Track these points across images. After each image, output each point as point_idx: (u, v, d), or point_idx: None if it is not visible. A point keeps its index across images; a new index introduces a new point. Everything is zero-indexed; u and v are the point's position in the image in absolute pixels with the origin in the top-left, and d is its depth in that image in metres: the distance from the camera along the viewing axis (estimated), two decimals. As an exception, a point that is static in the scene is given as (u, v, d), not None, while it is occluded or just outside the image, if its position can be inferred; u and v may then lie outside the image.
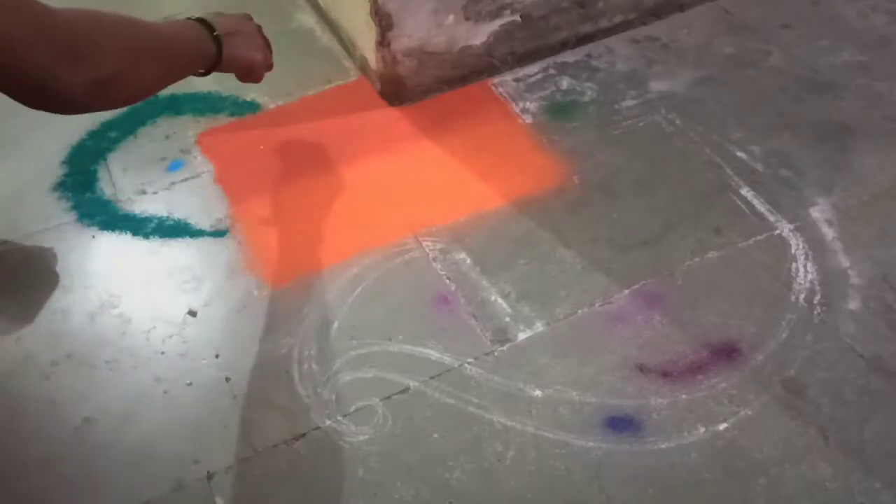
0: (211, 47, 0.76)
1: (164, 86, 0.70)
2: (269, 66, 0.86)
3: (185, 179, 1.05)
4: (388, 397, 0.82)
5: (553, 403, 0.81)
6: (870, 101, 1.11)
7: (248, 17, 0.86)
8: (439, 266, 0.94)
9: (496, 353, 0.85)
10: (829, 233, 0.95)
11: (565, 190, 1.02)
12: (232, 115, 1.15)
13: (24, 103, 0.60)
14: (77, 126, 1.13)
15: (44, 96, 0.60)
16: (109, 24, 0.63)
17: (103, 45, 0.61)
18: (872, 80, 1.14)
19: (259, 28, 0.85)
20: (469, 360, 0.85)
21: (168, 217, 1.00)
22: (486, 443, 0.78)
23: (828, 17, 1.26)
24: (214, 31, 0.76)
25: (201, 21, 0.76)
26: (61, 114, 0.62)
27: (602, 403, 0.81)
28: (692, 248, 0.94)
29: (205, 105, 1.16)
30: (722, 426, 0.79)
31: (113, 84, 0.62)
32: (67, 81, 0.59)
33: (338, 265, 0.94)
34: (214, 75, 1.21)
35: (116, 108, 0.69)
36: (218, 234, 0.98)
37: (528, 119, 1.11)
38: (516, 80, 1.18)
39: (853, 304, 0.88)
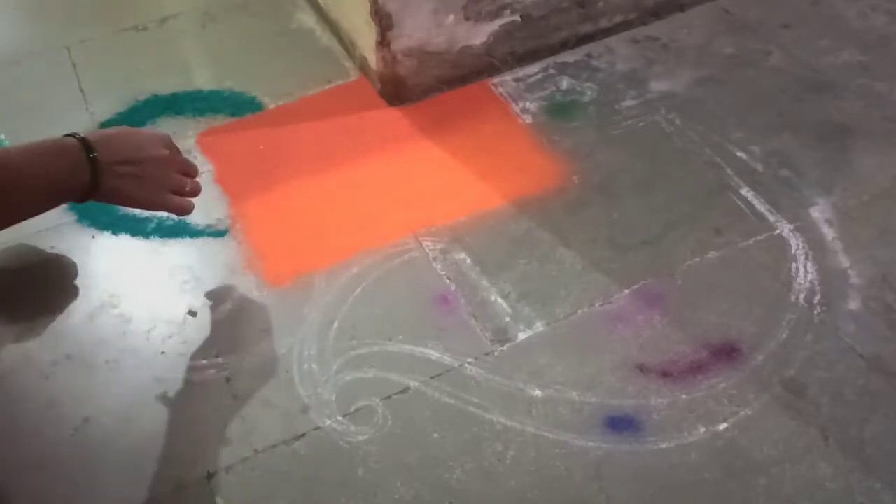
0: (83, 175, 0.64)
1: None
2: (181, 209, 0.76)
3: (185, 179, 1.05)
4: (388, 397, 0.82)
5: (553, 403, 0.81)
6: (870, 101, 1.11)
7: (164, 138, 0.74)
8: (439, 266, 0.94)
9: (496, 353, 0.85)
10: (829, 233, 0.95)
11: (565, 190, 1.02)
12: (232, 115, 1.15)
13: None
14: (77, 126, 1.13)
15: None
16: None
17: None
18: (872, 80, 1.14)
19: (170, 156, 0.73)
20: (469, 360, 0.85)
21: (168, 217, 1.00)
22: (486, 443, 0.78)
23: (828, 17, 1.26)
24: (92, 152, 0.65)
25: (81, 140, 0.65)
26: None
27: (602, 403, 0.81)
28: (692, 248, 0.94)
29: (205, 105, 1.16)
30: (722, 426, 0.79)
31: None
32: None
33: (338, 265, 0.94)
34: (214, 75, 1.22)
35: None
36: (218, 234, 0.98)
37: (528, 119, 1.12)
38: (516, 80, 1.18)
39: (853, 304, 0.88)
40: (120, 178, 0.67)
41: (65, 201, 0.65)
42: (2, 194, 0.59)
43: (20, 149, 0.64)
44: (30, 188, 0.62)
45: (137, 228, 0.99)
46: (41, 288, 0.93)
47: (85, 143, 0.66)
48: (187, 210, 0.83)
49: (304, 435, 0.79)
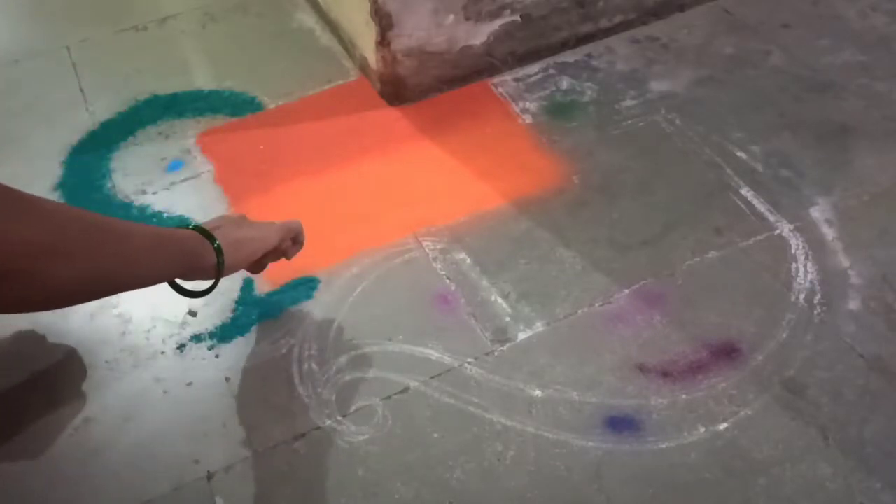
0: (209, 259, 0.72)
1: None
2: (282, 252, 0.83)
3: (185, 179, 1.05)
4: (388, 397, 0.82)
5: (553, 403, 0.81)
6: (870, 101, 1.11)
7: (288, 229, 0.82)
8: (439, 266, 0.94)
9: (496, 353, 0.85)
10: (829, 233, 0.95)
11: (565, 190, 1.02)
12: (232, 115, 1.15)
13: None
14: (77, 126, 1.13)
15: None
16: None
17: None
18: (872, 80, 1.14)
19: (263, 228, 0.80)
20: (469, 360, 0.85)
21: (168, 217, 1.00)
22: (486, 443, 0.78)
23: (828, 17, 1.26)
24: (215, 241, 0.73)
25: (199, 230, 0.72)
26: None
27: (602, 403, 0.81)
28: (692, 248, 0.94)
29: (205, 105, 1.16)
30: (722, 426, 0.79)
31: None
32: None
33: (338, 265, 0.94)
34: (214, 75, 1.22)
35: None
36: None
37: (528, 119, 1.11)
38: (516, 80, 1.18)
39: (853, 304, 0.88)
40: (227, 230, 0.75)
41: (181, 266, 0.71)
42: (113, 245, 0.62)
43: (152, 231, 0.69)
44: (143, 243, 0.66)
45: (137, 228, 0.99)
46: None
47: (195, 227, 0.73)
48: (298, 232, 0.86)
49: (304, 435, 0.79)
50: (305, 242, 0.87)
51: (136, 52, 1.26)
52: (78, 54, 1.26)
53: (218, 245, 0.73)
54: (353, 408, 0.81)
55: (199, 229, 0.73)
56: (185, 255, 0.70)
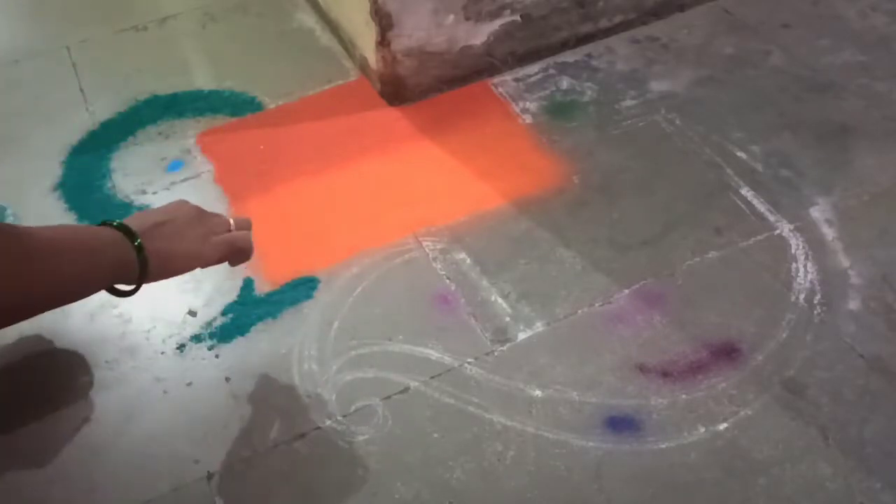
0: (124, 250, 0.67)
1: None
2: (233, 246, 0.76)
3: (185, 179, 1.05)
4: (388, 397, 0.82)
5: (553, 403, 0.81)
6: (870, 101, 1.11)
7: (186, 202, 0.76)
8: (439, 266, 0.94)
9: (496, 353, 0.85)
10: (829, 233, 0.95)
11: (565, 190, 1.02)
12: (232, 115, 1.15)
13: None
14: (77, 126, 1.13)
15: None
16: None
17: None
18: (872, 80, 1.14)
19: (198, 209, 0.75)
20: (469, 360, 0.85)
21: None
22: (486, 443, 0.78)
23: (828, 17, 1.26)
24: (127, 228, 0.67)
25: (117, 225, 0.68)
26: None
27: (602, 403, 0.81)
28: (692, 248, 0.94)
29: (205, 105, 1.16)
30: (722, 426, 0.79)
31: None
32: None
33: (338, 265, 0.94)
34: (214, 75, 1.22)
35: None
36: (218, 234, 0.98)
37: (528, 119, 1.12)
38: (516, 80, 1.18)
39: (853, 304, 0.88)
40: (160, 240, 0.69)
41: (107, 280, 0.68)
42: (45, 260, 0.61)
43: (62, 228, 0.67)
44: (71, 261, 0.64)
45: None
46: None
47: (120, 226, 0.68)
48: (242, 248, 0.78)
49: (304, 435, 0.79)
50: (305, 242, 0.87)
51: (136, 52, 1.26)
52: (78, 54, 1.26)
53: (143, 257, 0.68)
54: (353, 408, 0.81)
55: (125, 230, 0.69)
56: (111, 268, 0.67)
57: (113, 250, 0.67)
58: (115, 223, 0.69)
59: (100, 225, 0.70)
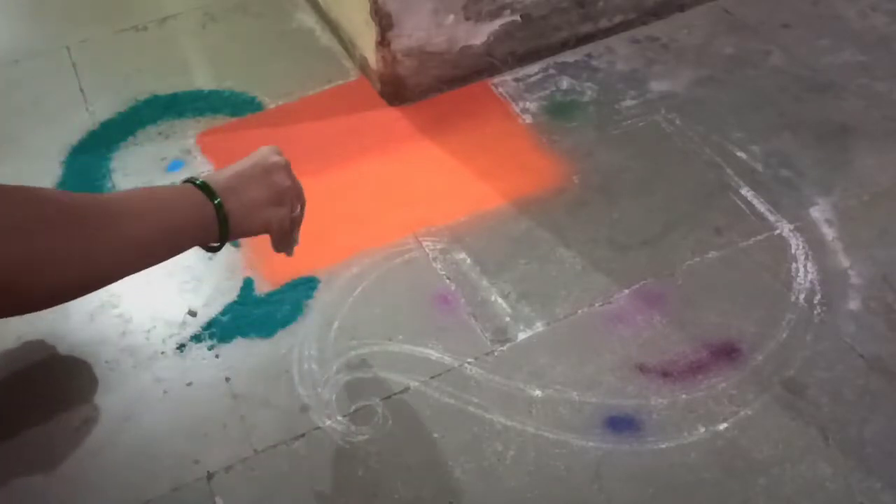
0: (200, 197, 0.65)
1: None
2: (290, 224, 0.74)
3: (185, 179, 1.05)
4: (388, 397, 0.82)
5: (553, 403, 0.81)
6: (870, 101, 1.11)
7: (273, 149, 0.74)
8: (439, 266, 0.94)
9: (496, 353, 0.85)
10: (829, 233, 0.95)
11: (565, 190, 1.02)
12: (232, 114, 1.15)
13: None
14: (77, 126, 1.13)
15: None
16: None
17: None
18: (872, 80, 1.14)
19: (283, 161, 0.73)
20: (469, 360, 0.85)
21: (168, 217, 1.00)
22: (486, 443, 0.78)
23: (828, 17, 1.26)
24: (215, 197, 0.65)
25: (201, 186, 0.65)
26: None
27: (602, 403, 0.81)
28: (692, 248, 0.94)
29: (205, 105, 1.16)
30: (722, 426, 0.79)
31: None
32: None
33: (338, 265, 0.94)
34: (214, 75, 1.21)
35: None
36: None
37: (528, 119, 1.12)
38: (516, 80, 1.18)
39: (853, 304, 0.88)
40: (237, 198, 0.68)
41: (191, 238, 0.66)
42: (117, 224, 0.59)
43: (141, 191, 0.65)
44: (148, 222, 0.62)
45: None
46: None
47: (202, 185, 0.67)
48: (290, 242, 0.77)
49: (304, 435, 0.79)
50: (305, 242, 0.86)
51: (136, 52, 1.26)
52: (78, 54, 1.26)
53: (223, 214, 0.67)
54: (353, 408, 0.81)
55: (206, 188, 0.67)
56: (192, 229, 0.66)
57: (192, 210, 0.66)
58: (197, 181, 0.68)
59: (182, 183, 0.68)
